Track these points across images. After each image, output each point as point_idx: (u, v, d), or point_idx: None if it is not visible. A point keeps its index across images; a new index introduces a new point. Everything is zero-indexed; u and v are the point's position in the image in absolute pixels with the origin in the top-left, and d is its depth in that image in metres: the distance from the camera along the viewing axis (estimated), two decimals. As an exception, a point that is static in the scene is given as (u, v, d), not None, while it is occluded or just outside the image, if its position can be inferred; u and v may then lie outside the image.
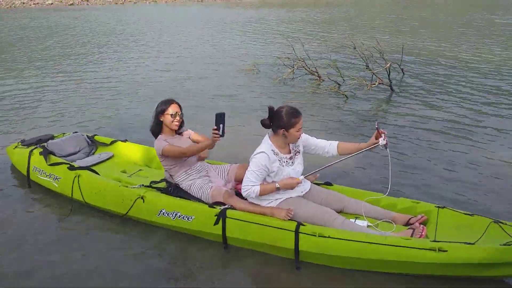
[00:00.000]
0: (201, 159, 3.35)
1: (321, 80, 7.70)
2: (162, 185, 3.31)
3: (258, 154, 2.75)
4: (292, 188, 2.83)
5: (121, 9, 29.72)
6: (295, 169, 2.86)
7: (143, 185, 3.30)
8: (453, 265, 2.40)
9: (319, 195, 2.97)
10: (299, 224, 2.67)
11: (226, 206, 2.92)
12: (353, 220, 2.85)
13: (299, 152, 2.94)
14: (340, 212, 2.95)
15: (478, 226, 2.62)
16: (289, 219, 2.72)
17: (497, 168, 4.17)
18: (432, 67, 8.77)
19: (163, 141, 3.08)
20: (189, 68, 9.29)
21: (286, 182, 2.79)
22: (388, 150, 2.77)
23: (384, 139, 2.72)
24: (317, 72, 7.82)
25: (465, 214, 2.78)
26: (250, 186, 2.76)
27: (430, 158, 4.41)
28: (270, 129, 2.84)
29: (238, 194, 3.17)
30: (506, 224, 2.61)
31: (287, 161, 2.83)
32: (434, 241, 2.46)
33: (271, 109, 2.77)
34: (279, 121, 2.73)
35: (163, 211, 3.05)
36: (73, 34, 16.03)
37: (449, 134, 5.11)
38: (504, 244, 2.38)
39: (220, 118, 2.82)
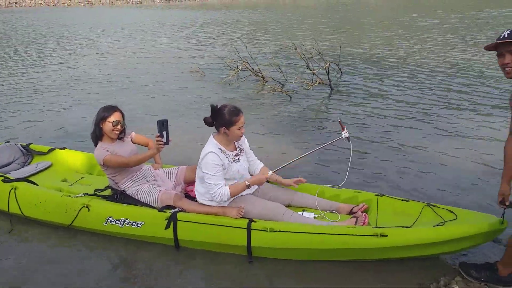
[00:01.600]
0: (157, 167, 3.31)
1: (265, 81, 7.86)
2: (107, 192, 3.23)
3: (207, 155, 2.75)
4: (261, 183, 2.91)
5: (54, 11, 28.26)
6: (242, 165, 2.93)
7: (86, 193, 3.20)
8: (394, 248, 2.58)
9: (268, 191, 3.05)
10: (251, 221, 2.73)
11: (176, 209, 2.91)
12: (300, 213, 2.96)
13: (243, 150, 3.00)
14: (288, 206, 3.05)
15: (414, 210, 2.84)
16: (240, 217, 2.78)
17: (431, 156, 4.50)
18: (367, 66, 9.24)
19: (103, 150, 2.98)
20: (130, 72, 9.08)
21: (256, 178, 2.86)
22: (350, 142, 3.01)
23: (346, 132, 2.98)
24: (261, 73, 7.97)
25: (401, 200, 2.99)
26: (219, 190, 2.75)
27: (369, 150, 4.67)
28: (214, 129, 2.87)
29: (188, 196, 3.18)
30: (437, 207, 2.84)
31: (234, 158, 2.88)
32: (376, 227, 2.63)
33: (213, 108, 2.79)
34: (221, 119, 2.76)
35: (110, 218, 2.99)
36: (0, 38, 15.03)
37: (385, 127, 5.43)
38: (436, 225, 2.61)
39: (163, 125, 2.77)
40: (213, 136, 2.87)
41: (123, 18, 21.68)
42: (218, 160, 2.75)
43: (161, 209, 2.95)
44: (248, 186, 2.84)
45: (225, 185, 2.79)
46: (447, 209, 2.81)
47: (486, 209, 3.19)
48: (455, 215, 2.74)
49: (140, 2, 33.59)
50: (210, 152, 2.75)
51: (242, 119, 2.78)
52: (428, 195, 3.65)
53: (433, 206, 2.86)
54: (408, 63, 9.42)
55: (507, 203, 2.47)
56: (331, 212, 3.00)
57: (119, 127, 3.01)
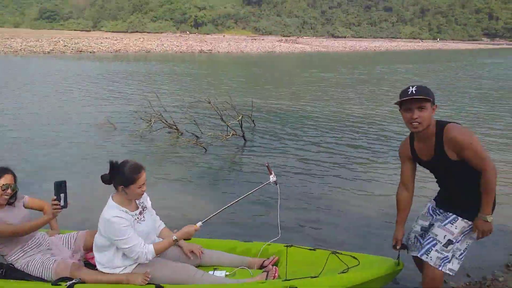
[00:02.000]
0: (53, 234, 3.01)
1: (179, 133, 7.84)
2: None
3: (111, 221, 2.52)
4: (190, 236, 2.74)
5: None
6: (148, 224, 2.76)
7: (-35, 272, 2.78)
8: (303, 300, 2.62)
9: (176, 251, 2.91)
10: (158, 287, 2.57)
11: (73, 281, 2.62)
12: (211, 272, 2.89)
13: (146, 208, 2.83)
14: (199, 265, 2.96)
15: (320, 259, 2.94)
16: (147, 283, 2.59)
17: (336, 205, 4.77)
18: (278, 118, 9.74)
19: None
20: (30, 126, 8.42)
21: (184, 232, 2.70)
22: (278, 186, 3.05)
23: (274, 176, 2.98)
24: (175, 125, 7.95)
25: (309, 249, 3.09)
26: (140, 250, 2.56)
27: (282, 198, 4.80)
28: (113, 188, 2.66)
29: (89, 264, 2.91)
30: (342, 254, 2.99)
31: (138, 218, 2.70)
32: (285, 280, 2.66)
33: (112, 164, 2.61)
34: (120, 177, 2.58)
35: (-6, 298, 2.61)
36: None
37: (293, 177, 5.68)
38: (341, 272, 2.72)
39: (60, 187, 2.58)
40: (112, 198, 2.66)
41: (29, 68, 20.48)
42: (125, 221, 2.56)
43: (55, 282, 2.62)
44: (175, 241, 2.69)
45: (144, 243, 2.61)
46: (350, 256, 2.96)
47: (386, 252, 3.42)
48: (358, 261, 2.89)
49: (49, 52, 32.00)
50: (115, 216, 2.54)
51: (144, 177, 2.61)
52: (334, 242, 3.83)
53: (338, 253, 2.99)
54: (313, 114, 10.12)
55: (398, 247, 2.69)
56: (242, 268, 2.98)
57: (9, 191, 2.70)
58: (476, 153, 2.31)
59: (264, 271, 2.86)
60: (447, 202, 2.61)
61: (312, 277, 2.67)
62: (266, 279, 2.77)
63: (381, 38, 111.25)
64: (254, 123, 8.72)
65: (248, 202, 4.71)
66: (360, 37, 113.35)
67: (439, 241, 2.50)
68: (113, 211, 2.57)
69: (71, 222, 3.78)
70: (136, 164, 2.63)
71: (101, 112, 9.74)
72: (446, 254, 2.49)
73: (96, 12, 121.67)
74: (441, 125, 2.40)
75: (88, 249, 2.94)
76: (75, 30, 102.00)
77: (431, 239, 2.53)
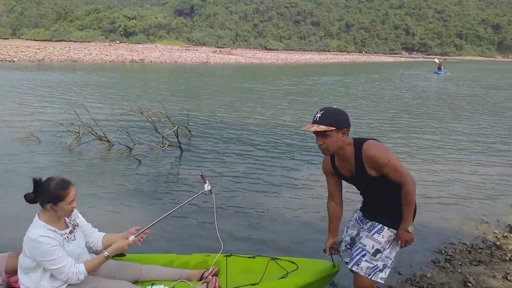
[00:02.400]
0: None
1: (110, 145, 7.50)
2: None
3: (37, 241, 2.34)
4: (123, 251, 2.60)
5: None
6: (78, 243, 2.60)
7: None
8: (244, 308, 2.61)
9: (110, 269, 2.77)
10: (92, 307, 2.43)
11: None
12: (150, 287, 2.78)
13: (77, 225, 2.67)
14: (136, 281, 2.84)
15: (260, 266, 2.96)
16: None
17: (273, 210, 4.84)
18: (214, 127, 9.72)
19: None
20: None
21: (116, 247, 2.54)
22: (213, 195, 3.03)
23: (208, 185, 2.97)
24: (106, 137, 7.60)
25: (248, 257, 3.10)
26: (70, 270, 2.39)
27: (220, 207, 4.77)
28: (39, 206, 2.48)
29: (12, 289, 2.67)
30: (281, 259, 3.03)
31: (68, 237, 2.54)
32: (226, 290, 2.64)
33: (36, 182, 2.43)
34: (47, 195, 2.42)
35: None
36: None
37: (231, 185, 5.68)
38: (281, 278, 2.76)
39: None
40: (38, 216, 2.48)
41: None
42: (52, 240, 2.38)
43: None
44: (107, 257, 2.54)
45: (74, 263, 2.44)
46: (289, 260, 3.02)
47: (323, 255, 3.51)
48: (296, 265, 2.95)
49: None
50: (41, 236, 2.36)
51: (73, 192, 2.48)
52: (273, 248, 3.88)
53: (277, 259, 3.03)
54: (248, 124, 10.25)
55: (327, 253, 2.84)
56: (182, 281, 2.90)
57: None
58: (395, 170, 2.41)
59: (203, 282, 2.81)
60: (372, 212, 2.71)
61: (252, 284, 2.67)
62: (206, 290, 2.73)
63: (311, 51, 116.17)
64: (190, 133, 8.60)
65: (185, 213, 4.64)
66: (291, 49, 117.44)
67: (368, 251, 2.59)
68: (39, 230, 2.39)
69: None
70: (63, 180, 2.47)
71: (24, 125, 9.04)
72: (375, 263, 2.58)
73: (15, 19, 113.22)
74: (359, 144, 2.47)
75: (11, 272, 2.68)
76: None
77: (360, 249, 2.61)
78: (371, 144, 2.46)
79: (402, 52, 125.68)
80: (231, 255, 3.11)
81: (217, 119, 10.81)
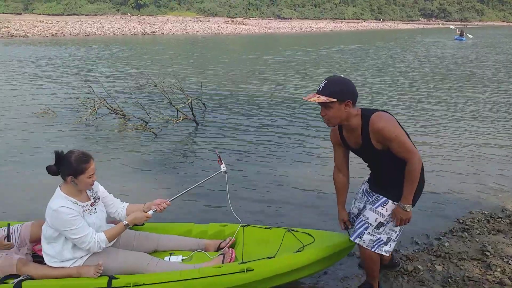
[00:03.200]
0: None
1: (126, 119, 7.54)
2: None
3: (58, 211, 2.40)
4: (141, 222, 2.70)
5: None
6: (99, 216, 2.66)
7: None
8: (262, 281, 2.63)
9: (129, 240, 2.84)
10: (111, 278, 2.49)
11: (20, 278, 2.48)
12: (167, 257, 2.84)
13: (99, 198, 2.73)
14: (155, 251, 2.90)
15: (276, 237, 2.97)
16: (99, 275, 2.50)
17: (290, 181, 4.84)
18: (228, 100, 9.66)
19: None
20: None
21: (134, 217, 2.64)
22: (226, 175, 3.04)
23: (224, 166, 2.99)
24: (122, 111, 7.63)
25: (264, 228, 3.11)
26: (92, 239, 2.47)
27: (233, 181, 4.79)
28: (61, 178, 2.55)
29: (38, 257, 2.75)
30: (297, 231, 3.03)
31: (89, 209, 2.60)
32: (242, 262, 2.66)
33: (58, 155, 2.49)
34: (68, 168, 2.47)
35: None
36: None
37: (247, 156, 5.69)
38: (297, 251, 2.76)
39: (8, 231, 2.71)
40: (60, 188, 2.54)
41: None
42: (73, 211, 2.45)
43: (1, 281, 2.48)
44: (126, 226, 2.62)
45: (95, 232, 2.52)
46: (305, 233, 3.01)
47: (339, 228, 3.52)
48: (313, 237, 2.95)
49: (-26, 36, 29.38)
50: (62, 206, 2.42)
51: (93, 166, 2.52)
52: (289, 220, 3.89)
53: (293, 230, 3.04)
54: (263, 96, 10.15)
55: (344, 227, 2.82)
56: (199, 251, 2.95)
57: None
58: (401, 145, 2.32)
59: (220, 254, 2.85)
60: (378, 185, 2.65)
61: (268, 258, 2.69)
62: (223, 262, 2.76)
63: (325, 19, 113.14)
64: (205, 106, 8.58)
65: (200, 187, 4.65)
66: (305, 18, 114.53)
67: (370, 224, 2.54)
68: (60, 201, 2.46)
69: (14, 215, 3.54)
70: (84, 153, 2.52)
71: (41, 100, 9.14)
72: (378, 236, 2.53)
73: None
74: (366, 117, 2.38)
75: (35, 241, 2.78)
76: (3, 13, 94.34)
77: (363, 222, 2.57)
78: (379, 116, 2.36)
79: (420, 18, 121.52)
80: (247, 225, 3.13)
81: (230, 92, 10.73)
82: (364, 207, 2.69)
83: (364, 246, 2.56)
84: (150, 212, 2.74)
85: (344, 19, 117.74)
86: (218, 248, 2.95)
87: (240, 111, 8.53)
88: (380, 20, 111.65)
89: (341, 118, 2.37)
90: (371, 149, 2.42)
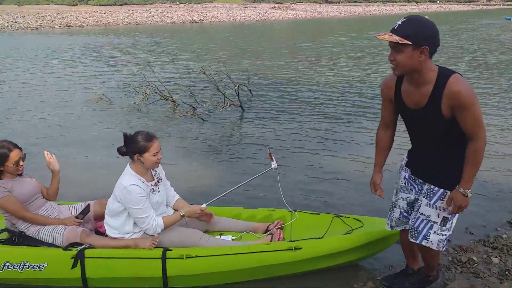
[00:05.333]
0: (50, 199, 3.05)
1: (176, 105, 7.77)
2: (4, 235, 2.90)
3: (129, 188, 2.59)
4: (196, 216, 2.85)
5: None
6: (161, 195, 2.83)
7: (-23, 240, 2.84)
8: (309, 260, 2.67)
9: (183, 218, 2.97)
10: (165, 250, 2.64)
11: (83, 246, 2.70)
12: (218, 236, 2.94)
13: (161, 179, 2.89)
14: (205, 231, 3.01)
15: (324, 222, 2.99)
16: (154, 247, 2.66)
17: (337, 169, 4.80)
18: (274, 86, 9.65)
19: (0, 188, 2.72)
20: (26, 104, 8.32)
21: (191, 210, 2.80)
22: (278, 171, 3.07)
23: (275, 163, 3.03)
24: (171, 97, 7.86)
25: (312, 213, 3.13)
26: (151, 222, 2.64)
27: (281, 168, 4.82)
28: (129, 159, 2.74)
29: (99, 233, 2.97)
30: (345, 217, 3.03)
31: (153, 188, 2.77)
32: (290, 241, 2.71)
33: (125, 136, 2.70)
34: (134, 147, 2.66)
35: (8, 264, 2.67)
36: None
37: (294, 143, 5.69)
38: (346, 233, 2.77)
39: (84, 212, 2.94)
40: (130, 166, 2.73)
41: (17, 45, 20.03)
42: (142, 191, 2.63)
43: (66, 248, 2.71)
44: (182, 217, 2.77)
45: (155, 216, 2.68)
46: (354, 218, 3.01)
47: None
48: (362, 222, 2.94)
49: (37, 28, 31.19)
50: (133, 184, 2.61)
51: (156, 145, 2.69)
52: (337, 207, 3.87)
53: (342, 216, 3.04)
54: (310, 82, 10.04)
55: (377, 192, 2.50)
56: (248, 232, 3.03)
57: (21, 163, 2.79)
58: (476, 117, 1.98)
59: (268, 234, 2.92)
60: (426, 170, 2.25)
61: (316, 238, 2.72)
62: (271, 241, 2.82)
63: (376, 2, 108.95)
64: (251, 93, 8.64)
65: (250, 174, 4.70)
66: (355, 1, 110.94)
67: (434, 222, 2.22)
68: (131, 179, 2.65)
69: (76, 194, 3.80)
70: (148, 133, 2.71)
71: (96, 87, 9.60)
72: (447, 233, 2.24)
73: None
74: (444, 74, 2.00)
75: (98, 218, 3.00)
76: (61, 4, 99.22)
77: (425, 221, 2.24)
78: (459, 78, 1.98)
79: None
80: (295, 210, 3.16)
81: (276, 78, 10.71)
82: (416, 200, 2.34)
83: (434, 247, 2.26)
84: (204, 206, 2.89)
85: (396, 1, 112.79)
86: (266, 231, 3.02)
87: (285, 97, 8.51)
88: (436, 2, 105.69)
89: (412, 67, 1.98)
90: (436, 113, 2.02)
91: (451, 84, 1.97)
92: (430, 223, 2.24)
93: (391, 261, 3.05)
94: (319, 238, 2.70)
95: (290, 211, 3.16)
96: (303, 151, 5.46)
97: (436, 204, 2.21)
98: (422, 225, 2.25)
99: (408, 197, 2.39)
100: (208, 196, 3.88)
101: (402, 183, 2.41)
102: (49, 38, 23.58)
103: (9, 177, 2.79)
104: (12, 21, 34.11)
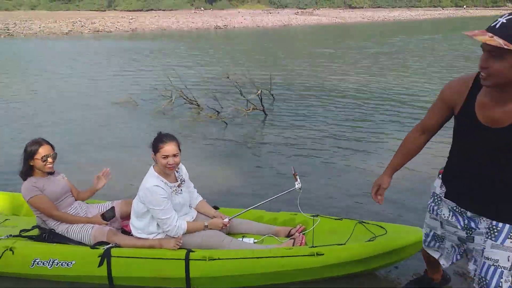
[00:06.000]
0: (82, 199, 3.16)
1: (200, 109, 7.88)
2: (35, 232, 3.01)
3: (152, 189, 2.64)
4: (219, 228, 2.86)
5: (-32, 43, 26.24)
6: (184, 197, 2.88)
7: (11, 235, 2.96)
8: (331, 266, 2.66)
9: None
10: (189, 251, 2.68)
11: (110, 245, 2.78)
12: (240, 239, 2.97)
13: (184, 181, 2.93)
14: (227, 233, 3.04)
15: (347, 228, 2.97)
16: (178, 248, 2.72)
17: (361, 176, 4.76)
18: (297, 92, 9.65)
19: (32, 187, 2.82)
20: (58, 106, 8.62)
21: (215, 223, 2.84)
22: (301, 190, 3.00)
23: (299, 183, 2.97)
24: (196, 101, 7.99)
25: (335, 219, 3.12)
26: (174, 223, 2.69)
27: (302, 173, 4.82)
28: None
29: (125, 232, 3.05)
30: (368, 223, 3.00)
31: (176, 190, 2.82)
32: (312, 246, 2.71)
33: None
34: (152, 145, 2.73)
35: (38, 260, 2.78)
36: None
37: (317, 148, 5.67)
38: (368, 240, 2.75)
39: (110, 215, 2.97)
40: (153, 167, 2.79)
41: (48, 50, 20.73)
42: (164, 192, 2.67)
43: (94, 246, 2.80)
44: (206, 227, 2.81)
45: (177, 218, 2.73)
46: (377, 225, 2.97)
47: (413, 222, 3.40)
48: (385, 230, 2.90)
49: (67, 33, 32.20)
50: (155, 185, 2.65)
51: (168, 148, 2.67)
52: (360, 212, 3.83)
53: (365, 222, 3.01)
54: (333, 88, 9.99)
55: (378, 197, 2.21)
56: (270, 236, 3.04)
57: (50, 160, 2.88)
58: None
59: (291, 239, 2.92)
60: (485, 202, 1.86)
61: (338, 244, 2.71)
62: (293, 245, 2.83)
63: (400, 7, 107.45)
64: (273, 97, 8.67)
65: (272, 178, 4.73)
66: (378, 6, 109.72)
67: (504, 268, 1.82)
68: (153, 180, 2.69)
69: (101, 194, 3.90)
70: (165, 134, 2.75)
71: (123, 90, 9.84)
72: None
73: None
74: None
75: (124, 217, 3.07)
76: (90, 10, 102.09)
77: (493, 268, 1.84)
78: None
79: (507, 4, 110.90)
80: (317, 215, 3.16)
81: (298, 83, 10.70)
82: (472, 240, 1.95)
83: None
84: (227, 220, 2.91)
85: (421, 7, 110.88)
86: (289, 235, 3.02)
87: (307, 102, 8.50)
88: (463, 7, 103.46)
89: (506, 80, 1.59)
90: None
91: None
92: (499, 269, 1.83)
93: (412, 270, 3.00)
94: (341, 244, 2.69)
95: (313, 216, 3.15)
96: (326, 156, 5.44)
97: (504, 244, 1.81)
98: (490, 273, 1.85)
99: (455, 231, 2.02)
100: (229, 200, 3.95)
101: (446, 215, 2.03)
102: (79, 43, 24.32)
103: (41, 175, 2.90)
104: (44, 26, 35.33)
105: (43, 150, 2.85)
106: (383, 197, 2.15)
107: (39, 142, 2.87)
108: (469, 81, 1.78)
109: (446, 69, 12.72)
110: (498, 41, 1.47)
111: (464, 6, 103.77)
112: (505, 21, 1.52)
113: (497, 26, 1.52)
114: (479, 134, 1.77)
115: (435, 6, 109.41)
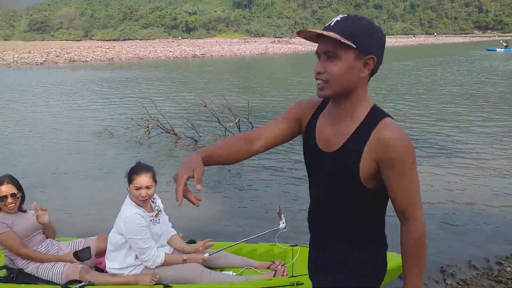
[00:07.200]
0: (48, 237, 3.03)
1: (177, 138, 7.84)
2: (2, 273, 2.87)
3: (131, 218, 2.58)
4: (198, 263, 2.79)
5: None
6: (162, 227, 2.82)
7: (-25, 277, 2.81)
8: (310, 296, 2.63)
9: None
10: (166, 287, 2.60)
11: (82, 284, 2.67)
12: (219, 272, 2.90)
13: (161, 211, 2.87)
14: (206, 267, 2.97)
15: (326, 256, 2.94)
16: (155, 284, 2.63)
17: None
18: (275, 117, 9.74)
19: (0, 223, 2.71)
20: (27, 137, 8.41)
21: (195, 257, 2.77)
22: (285, 229, 2.88)
23: (283, 223, 2.85)
24: (173, 130, 7.95)
25: (314, 247, 3.09)
26: (152, 252, 2.62)
27: (286, 200, 4.81)
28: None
29: (99, 270, 2.94)
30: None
31: (153, 219, 2.75)
32: (292, 276, 2.68)
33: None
34: (128, 176, 2.67)
35: (5, 303, 2.64)
36: None
37: (299, 173, 5.69)
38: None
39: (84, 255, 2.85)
40: (128, 196, 2.73)
41: (22, 80, 20.41)
42: (143, 221, 2.61)
43: (65, 285, 2.68)
44: (184, 261, 2.74)
45: (156, 248, 2.67)
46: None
47: (395, 249, 3.40)
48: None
49: (42, 63, 31.89)
50: (136, 214, 2.60)
51: (140, 180, 2.60)
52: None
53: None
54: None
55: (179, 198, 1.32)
56: (249, 268, 2.98)
57: (9, 200, 2.73)
58: (412, 184, 1.32)
59: (272, 270, 2.88)
60: (321, 259, 1.63)
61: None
62: (273, 276, 2.78)
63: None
64: (251, 125, 8.72)
65: (254, 209, 4.70)
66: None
67: None
68: (132, 209, 2.64)
69: (74, 230, 3.78)
70: (140, 165, 2.69)
71: (98, 120, 9.72)
72: None
73: (87, 21, 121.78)
74: (376, 114, 1.36)
75: (99, 254, 2.97)
76: (66, 40, 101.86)
77: None
78: (396, 126, 1.33)
79: (474, 31, 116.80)
80: (297, 245, 3.13)
81: (276, 111, 10.84)
82: None
83: None
84: (206, 255, 2.83)
85: (393, 34, 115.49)
86: (269, 268, 2.97)
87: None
88: (434, 34, 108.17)
89: (348, 85, 1.34)
90: (352, 165, 1.35)
91: (382, 128, 1.32)
92: None
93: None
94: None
95: (292, 246, 3.12)
96: (304, 182, 5.46)
97: None
98: None
99: None
100: (208, 233, 3.88)
101: None
102: (54, 73, 24.06)
103: (10, 212, 2.79)
104: (17, 57, 34.92)
105: (3, 190, 2.72)
106: (192, 195, 1.40)
107: (0, 181, 2.74)
108: (318, 101, 1.54)
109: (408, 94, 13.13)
110: (333, 35, 1.29)
111: (435, 34, 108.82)
112: (340, 19, 1.34)
113: (332, 24, 1.34)
114: (315, 160, 1.51)
115: (406, 34, 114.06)
